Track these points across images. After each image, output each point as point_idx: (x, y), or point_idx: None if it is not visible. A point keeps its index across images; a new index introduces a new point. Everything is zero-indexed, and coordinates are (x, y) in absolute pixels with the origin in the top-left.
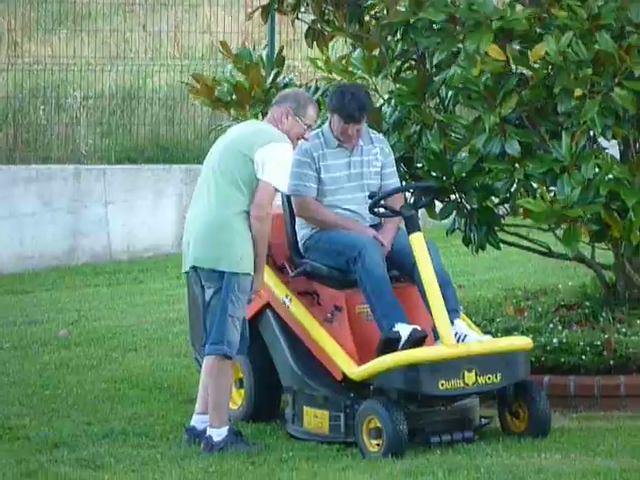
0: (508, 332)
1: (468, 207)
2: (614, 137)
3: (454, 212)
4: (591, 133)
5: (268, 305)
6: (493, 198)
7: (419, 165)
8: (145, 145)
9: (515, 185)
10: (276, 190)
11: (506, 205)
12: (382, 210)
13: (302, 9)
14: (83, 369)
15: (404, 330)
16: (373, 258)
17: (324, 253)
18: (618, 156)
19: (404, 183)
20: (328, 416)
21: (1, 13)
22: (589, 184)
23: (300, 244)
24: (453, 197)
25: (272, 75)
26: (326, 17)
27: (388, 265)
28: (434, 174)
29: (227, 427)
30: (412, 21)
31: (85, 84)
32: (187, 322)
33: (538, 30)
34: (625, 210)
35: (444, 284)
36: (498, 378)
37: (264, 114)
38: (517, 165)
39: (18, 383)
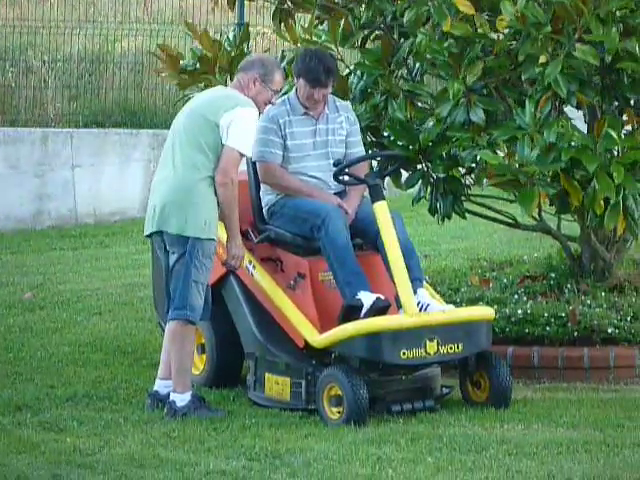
0: (473, 302)
1: (434, 176)
2: (579, 104)
3: (420, 181)
4: (556, 103)
5: (230, 271)
6: (459, 168)
7: (385, 134)
8: (113, 109)
9: (480, 153)
10: (241, 155)
11: (472, 175)
12: (347, 178)
13: None
14: (47, 332)
15: (367, 298)
16: (336, 226)
17: (288, 220)
18: (585, 128)
19: (370, 152)
20: (289, 383)
21: None
22: (550, 148)
23: (264, 210)
24: (419, 166)
25: (237, 48)
26: None
27: (352, 233)
28: (400, 143)
29: (190, 392)
30: None
31: (53, 47)
32: (151, 287)
33: None
34: (588, 180)
35: (407, 253)
36: (460, 348)
37: (226, 81)
38: (482, 133)
39: None
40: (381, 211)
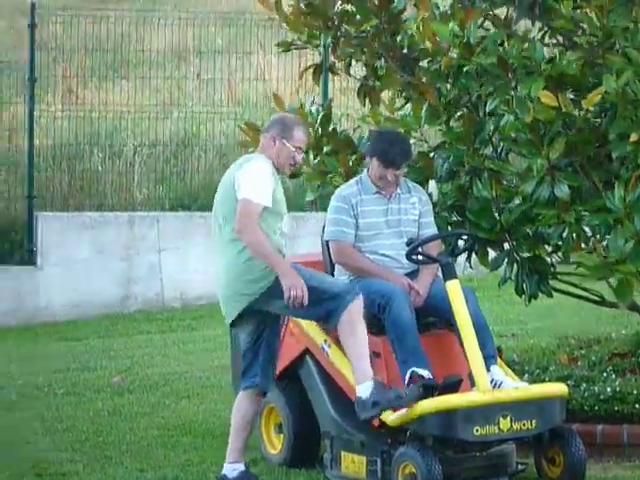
0: (561, 381)
1: (519, 256)
2: None
3: (505, 261)
4: None
5: (307, 351)
6: (545, 246)
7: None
8: (198, 192)
9: (567, 231)
10: (254, 203)
11: (558, 253)
12: (419, 257)
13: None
14: (136, 416)
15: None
16: (399, 305)
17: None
18: None
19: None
20: (365, 461)
21: (57, 60)
22: None
23: None
24: (505, 246)
25: (319, 122)
26: (378, 73)
27: (425, 312)
28: (481, 224)
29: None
30: (464, 67)
31: (139, 131)
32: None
33: (590, 78)
34: None
35: (481, 329)
36: (533, 424)
37: (315, 158)
38: (569, 210)
39: (71, 429)
40: (453, 289)
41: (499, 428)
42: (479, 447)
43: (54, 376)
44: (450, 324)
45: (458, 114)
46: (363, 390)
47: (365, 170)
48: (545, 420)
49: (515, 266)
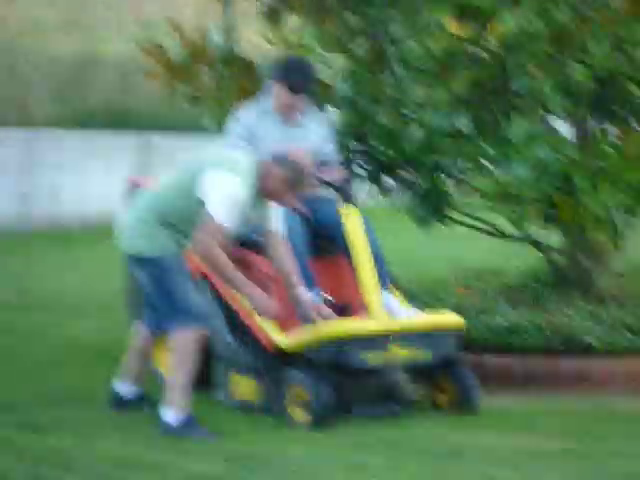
0: (455, 311)
1: (418, 184)
2: (568, 116)
3: (403, 189)
4: (544, 115)
5: (203, 275)
6: (443, 175)
7: (371, 142)
8: (97, 112)
9: (466, 163)
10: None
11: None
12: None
13: None
14: (30, 335)
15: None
16: (292, 228)
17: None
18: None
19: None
20: (255, 384)
21: None
22: (540, 163)
23: None
24: (403, 174)
25: (222, 45)
26: None
27: (318, 235)
28: (385, 150)
29: (186, 412)
30: None
31: (39, 49)
32: None
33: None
34: (575, 192)
35: (377, 259)
36: (425, 354)
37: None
38: (468, 143)
39: None
40: (350, 215)
41: (390, 355)
42: (370, 375)
43: None
44: (343, 249)
45: (360, 41)
46: (173, 417)
47: (264, 95)
48: (438, 350)
49: (412, 194)
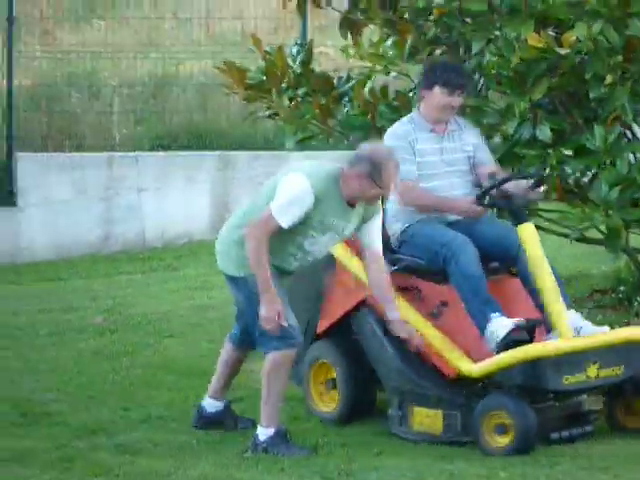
0: None
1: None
2: None
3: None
4: (625, 120)
5: (363, 302)
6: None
7: None
8: (178, 132)
9: (548, 171)
10: (273, 217)
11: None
12: (491, 201)
13: None
14: (118, 356)
15: (501, 323)
16: (467, 256)
17: (421, 249)
18: None
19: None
20: (442, 415)
21: (33, 1)
22: (626, 179)
23: (393, 239)
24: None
25: (299, 61)
26: (360, 6)
27: (488, 257)
28: None
29: (275, 427)
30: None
31: (117, 72)
32: (223, 309)
33: (571, 17)
34: None
35: (555, 277)
36: (620, 370)
37: (292, 100)
38: (550, 151)
39: (54, 369)
40: (528, 232)
41: (587, 375)
42: (563, 397)
43: (37, 317)
44: (510, 269)
45: (438, 52)
46: (263, 433)
47: (416, 109)
48: (631, 365)
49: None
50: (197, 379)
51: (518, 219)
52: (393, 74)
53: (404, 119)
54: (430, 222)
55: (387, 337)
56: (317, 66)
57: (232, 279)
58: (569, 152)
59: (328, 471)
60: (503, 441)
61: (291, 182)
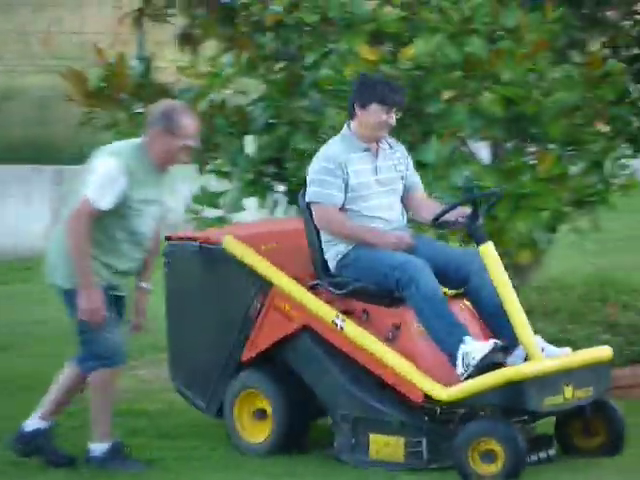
0: None
1: None
2: (483, 139)
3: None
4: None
5: (304, 328)
6: None
7: (287, 166)
8: (18, 145)
9: None
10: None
11: None
12: (446, 222)
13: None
14: None
15: (477, 345)
16: (428, 279)
17: (366, 272)
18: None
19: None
20: (404, 442)
21: None
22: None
23: (333, 262)
24: None
25: (139, 73)
26: (197, 21)
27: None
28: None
29: (110, 442)
30: (285, 20)
31: None
32: (57, 324)
33: (408, 33)
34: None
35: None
36: (590, 391)
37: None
38: None
39: None
40: (488, 253)
41: (564, 397)
42: (543, 418)
43: None
44: (458, 291)
45: (277, 67)
46: (97, 448)
47: (346, 127)
48: (598, 386)
49: None
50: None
51: (477, 239)
52: (229, 91)
53: (335, 138)
54: (371, 246)
55: (335, 363)
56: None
57: (59, 292)
58: None
59: None
60: (491, 469)
61: (100, 165)
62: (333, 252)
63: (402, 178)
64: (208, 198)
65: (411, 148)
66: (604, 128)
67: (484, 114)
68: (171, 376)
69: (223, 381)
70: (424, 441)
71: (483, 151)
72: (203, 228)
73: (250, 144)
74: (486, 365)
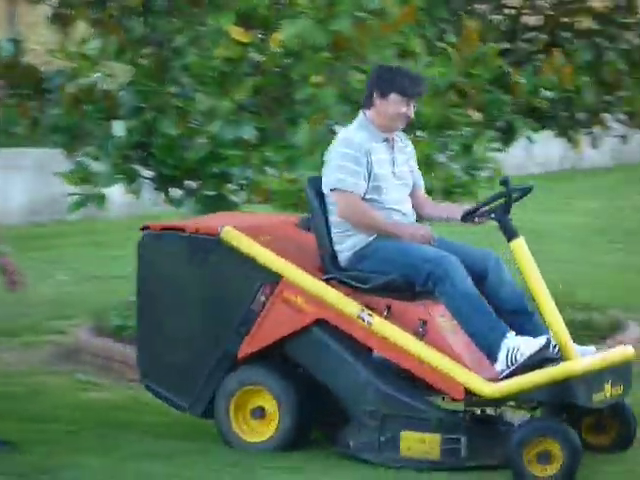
0: None
1: (203, 194)
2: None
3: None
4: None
5: (318, 322)
6: (229, 185)
7: (154, 151)
8: None
9: (251, 172)
10: None
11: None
12: (476, 219)
13: None
14: None
15: (527, 340)
16: (462, 275)
17: (392, 264)
18: None
19: None
20: (440, 440)
21: None
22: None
23: (348, 254)
24: (187, 183)
25: (7, 54)
26: (68, 2)
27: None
28: (167, 160)
29: None
30: (152, 4)
31: None
32: None
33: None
34: None
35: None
36: (622, 389)
37: None
38: (254, 151)
39: None
40: (520, 249)
41: (604, 394)
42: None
43: None
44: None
45: (145, 51)
46: None
47: (362, 115)
48: (627, 385)
49: (199, 204)
50: None
51: (508, 235)
52: (98, 74)
53: (356, 124)
54: (391, 237)
55: (357, 358)
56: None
57: None
58: (271, 153)
59: (25, 468)
60: (547, 470)
61: None
62: (350, 243)
63: (412, 173)
64: (81, 175)
65: (277, 134)
66: (476, 115)
67: (351, 98)
68: (142, 374)
69: (214, 378)
70: (463, 439)
71: None
72: (77, 208)
73: (120, 128)
74: (537, 361)
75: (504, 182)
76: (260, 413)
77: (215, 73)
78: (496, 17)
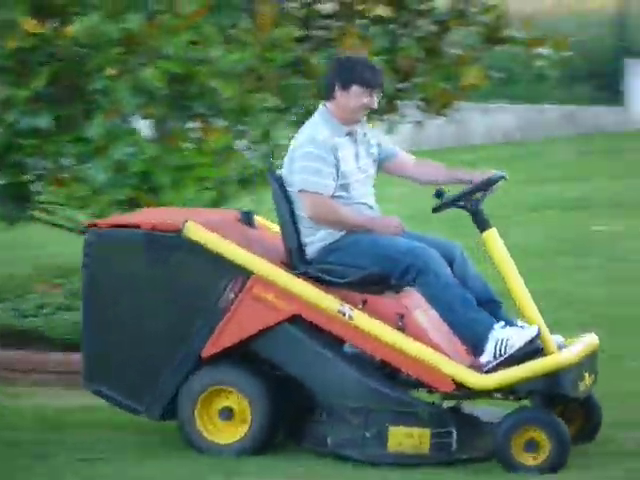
0: (42, 308)
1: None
2: (146, 117)
3: None
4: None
5: (293, 318)
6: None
7: None
8: None
9: (47, 161)
10: None
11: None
12: (447, 210)
13: None
14: None
15: (509, 332)
16: (446, 270)
17: (367, 257)
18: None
19: None
20: (429, 434)
21: None
22: (120, 165)
23: (317, 246)
24: None
25: None
26: None
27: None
28: None
29: None
30: None
31: None
32: None
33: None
34: (156, 190)
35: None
36: (594, 378)
37: None
38: (49, 141)
39: None
40: (492, 240)
41: (585, 383)
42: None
43: None
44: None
45: None
46: None
47: (323, 108)
48: (597, 373)
49: None
50: None
51: (480, 225)
52: None
53: (318, 118)
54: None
55: (337, 354)
56: None
57: None
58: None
59: None
60: (535, 459)
61: None
62: (320, 235)
63: (374, 162)
64: None
65: (73, 123)
66: (274, 100)
67: (145, 91)
68: (87, 378)
69: (176, 380)
70: (454, 432)
71: (147, 130)
72: None
73: None
74: (525, 353)
75: (438, 195)
76: (227, 414)
77: (10, 62)
78: (291, 5)
